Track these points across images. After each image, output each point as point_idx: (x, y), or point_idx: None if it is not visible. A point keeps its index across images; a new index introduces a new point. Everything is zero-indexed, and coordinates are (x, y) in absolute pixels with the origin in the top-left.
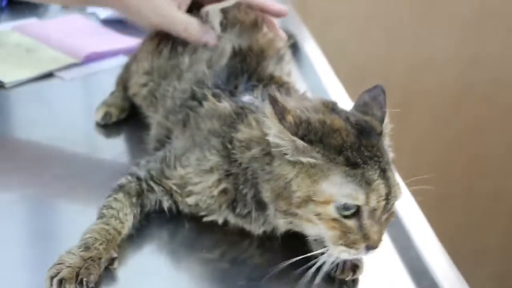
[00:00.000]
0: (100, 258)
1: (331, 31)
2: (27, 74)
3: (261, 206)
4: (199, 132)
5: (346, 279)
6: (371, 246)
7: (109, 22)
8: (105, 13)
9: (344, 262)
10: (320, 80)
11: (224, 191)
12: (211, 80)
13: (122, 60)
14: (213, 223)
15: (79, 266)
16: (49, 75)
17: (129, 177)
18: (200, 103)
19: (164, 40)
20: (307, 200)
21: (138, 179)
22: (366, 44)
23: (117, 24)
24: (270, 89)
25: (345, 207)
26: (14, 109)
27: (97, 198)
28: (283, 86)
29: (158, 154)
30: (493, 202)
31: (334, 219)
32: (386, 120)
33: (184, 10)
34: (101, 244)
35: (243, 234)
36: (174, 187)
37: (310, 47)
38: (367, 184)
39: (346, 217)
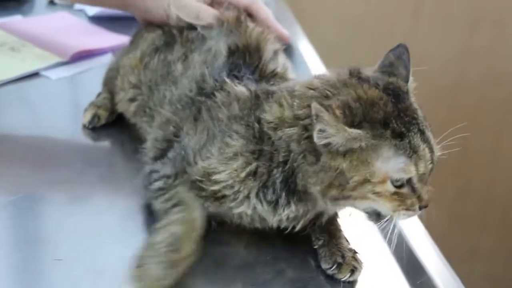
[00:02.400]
0: None
1: (323, 30)
2: (11, 74)
3: (292, 191)
4: (216, 123)
5: (343, 279)
6: (424, 206)
7: (97, 20)
8: (93, 10)
9: (343, 261)
10: None
11: (253, 174)
12: (214, 76)
13: (110, 58)
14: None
15: None
16: (35, 75)
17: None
18: (212, 95)
19: (148, 52)
20: (364, 182)
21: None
22: (358, 43)
23: (106, 21)
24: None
25: (397, 179)
26: None
27: (84, 202)
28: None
29: (171, 155)
30: (486, 201)
31: (393, 193)
32: (411, 78)
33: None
34: None
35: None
36: (198, 178)
37: (304, 46)
38: (415, 153)
39: (400, 186)
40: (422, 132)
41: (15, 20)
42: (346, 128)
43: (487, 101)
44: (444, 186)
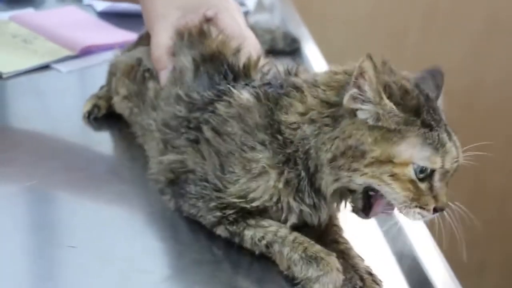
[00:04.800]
0: None
1: (331, 32)
2: (24, 65)
3: (316, 189)
4: (228, 138)
5: None
6: (440, 208)
7: (105, 15)
8: (101, 6)
9: (363, 284)
10: None
11: (287, 182)
12: (196, 90)
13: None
14: None
15: None
16: (46, 67)
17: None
18: (210, 108)
19: (136, 63)
20: (384, 161)
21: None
22: (368, 47)
23: (114, 17)
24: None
25: (421, 170)
26: (11, 100)
27: (96, 190)
28: (265, 68)
29: (193, 190)
30: (496, 216)
31: (410, 181)
32: (441, 100)
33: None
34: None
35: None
36: (237, 200)
37: (310, 49)
38: (442, 147)
39: (419, 179)
40: (449, 133)
41: (27, 13)
42: (385, 98)
43: (501, 104)
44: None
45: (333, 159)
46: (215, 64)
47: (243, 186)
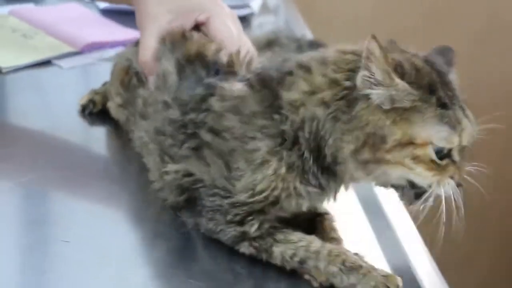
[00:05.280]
0: None
1: (333, 32)
2: (24, 60)
3: (325, 169)
4: (227, 135)
5: None
6: (458, 183)
7: (108, 13)
8: (104, 3)
9: None
10: None
11: (290, 167)
12: (184, 94)
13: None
14: None
15: None
16: (47, 63)
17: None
18: (205, 106)
19: (130, 70)
20: (404, 143)
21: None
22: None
23: (116, 14)
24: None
25: (439, 150)
26: (11, 96)
27: (92, 188)
28: (252, 67)
29: (208, 203)
30: (482, 210)
31: (432, 161)
32: (454, 75)
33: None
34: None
35: None
36: (246, 199)
37: None
38: (458, 124)
39: (439, 158)
40: (463, 108)
41: (28, 7)
42: (397, 78)
43: (502, 103)
44: None
45: (356, 151)
46: (199, 63)
47: (249, 180)
